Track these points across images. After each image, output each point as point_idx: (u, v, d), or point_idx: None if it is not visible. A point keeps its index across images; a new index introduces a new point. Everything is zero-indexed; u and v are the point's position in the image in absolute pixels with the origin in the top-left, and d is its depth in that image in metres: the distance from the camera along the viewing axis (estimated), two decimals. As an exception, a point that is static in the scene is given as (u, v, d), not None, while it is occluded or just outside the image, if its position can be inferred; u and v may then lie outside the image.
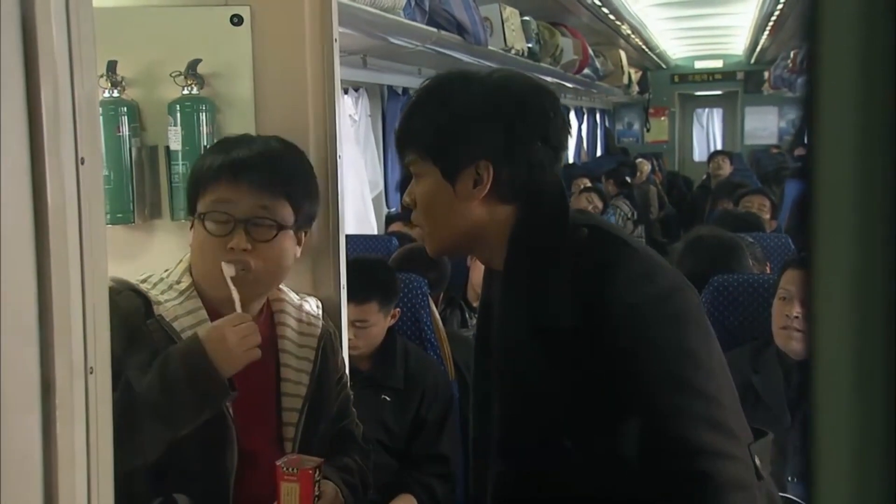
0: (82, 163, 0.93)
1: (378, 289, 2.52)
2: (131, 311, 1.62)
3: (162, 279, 1.71)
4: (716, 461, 1.34)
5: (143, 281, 1.70)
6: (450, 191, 1.47)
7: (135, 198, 1.98)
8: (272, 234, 1.66)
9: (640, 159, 10.03)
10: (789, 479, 2.39)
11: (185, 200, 1.97)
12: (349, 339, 2.47)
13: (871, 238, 0.41)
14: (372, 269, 2.57)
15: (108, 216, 1.92)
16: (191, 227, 1.73)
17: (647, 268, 1.43)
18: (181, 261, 1.75)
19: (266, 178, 1.67)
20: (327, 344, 1.83)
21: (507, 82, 1.50)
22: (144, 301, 1.65)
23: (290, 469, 1.61)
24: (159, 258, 1.91)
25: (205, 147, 1.95)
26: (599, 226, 1.50)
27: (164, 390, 1.51)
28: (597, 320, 1.37)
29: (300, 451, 1.73)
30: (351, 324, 2.47)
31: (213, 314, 1.67)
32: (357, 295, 2.34)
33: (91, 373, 0.95)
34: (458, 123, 1.47)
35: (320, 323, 1.83)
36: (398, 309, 2.67)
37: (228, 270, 1.62)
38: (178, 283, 1.70)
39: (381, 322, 2.57)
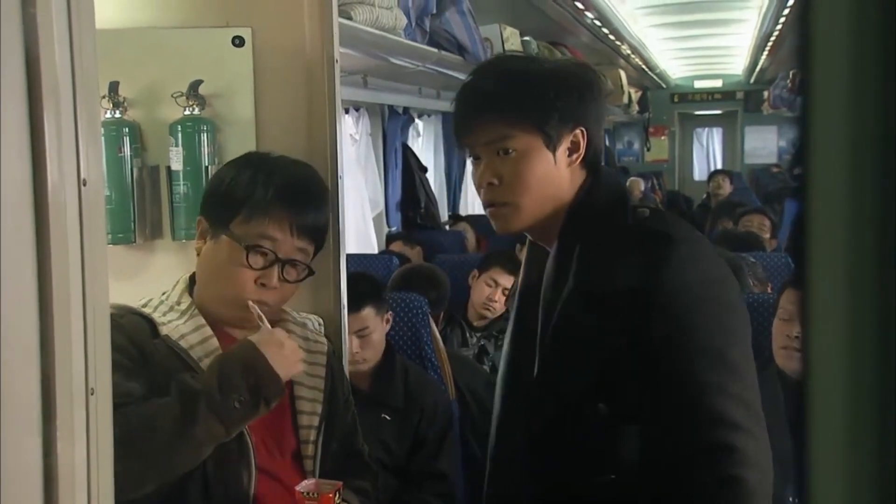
0: (84, 184, 0.94)
1: (368, 294, 2.55)
2: (137, 331, 1.62)
3: (162, 301, 1.71)
4: (741, 436, 1.40)
5: (144, 306, 1.70)
6: (550, 160, 1.52)
7: (136, 218, 1.99)
8: (303, 276, 1.70)
9: (632, 178, 9.99)
10: (791, 499, 2.38)
11: (185, 219, 1.98)
12: (356, 353, 2.49)
13: (865, 254, 0.41)
14: (355, 279, 2.60)
15: (110, 236, 1.93)
16: (206, 238, 1.71)
17: (703, 251, 1.52)
18: (178, 282, 1.75)
19: (311, 224, 1.69)
20: (334, 363, 1.84)
21: (571, 60, 1.61)
22: (149, 322, 1.65)
23: (311, 494, 1.61)
24: (160, 278, 1.92)
25: (206, 168, 1.96)
26: (660, 208, 1.58)
27: (220, 387, 1.51)
28: (649, 292, 1.43)
29: (319, 468, 1.74)
30: (354, 334, 2.48)
31: (217, 331, 1.68)
32: (352, 305, 2.37)
33: (92, 394, 0.95)
34: (561, 91, 1.53)
35: (325, 341, 1.84)
36: (391, 313, 2.69)
37: (254, 309, 1.63)
38: (179, 303, 1.70)
39: (379, 327, 2.60)
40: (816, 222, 0.43)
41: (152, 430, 1.48)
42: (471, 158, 1.60)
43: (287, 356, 1.59)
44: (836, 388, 0.42)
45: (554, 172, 1.53)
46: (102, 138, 1.80)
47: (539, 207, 1.54)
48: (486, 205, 1.58)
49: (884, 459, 0.40)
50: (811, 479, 0.42)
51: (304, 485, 1.63)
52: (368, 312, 2.55)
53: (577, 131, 1.53)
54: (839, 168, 0.42)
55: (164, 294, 1.74)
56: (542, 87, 1.53)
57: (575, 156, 1.54)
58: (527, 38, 6.20)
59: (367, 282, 2.65)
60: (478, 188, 1.58)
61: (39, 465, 0.88)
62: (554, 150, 1.52)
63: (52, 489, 0.89)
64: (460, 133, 1.58)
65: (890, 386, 0.41)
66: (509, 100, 1.53)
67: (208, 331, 1.67)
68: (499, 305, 3.79)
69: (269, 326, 1.63)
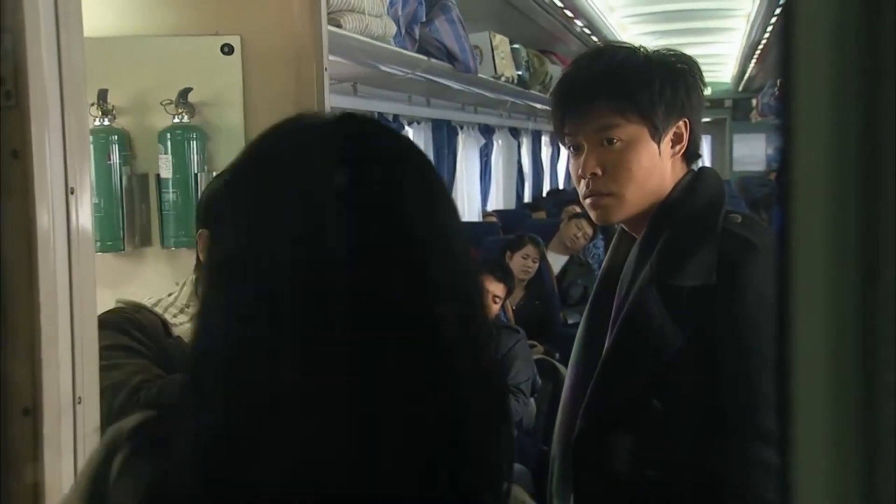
0: (72, 193, 0.94)
1: None
2: (154, 327, 1.62)
3: (171, 304, 1.70)
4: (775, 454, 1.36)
5: (154, 305, 1.70)
6: (654, 150, 1.51)
7: (125, 225, 1.99)
8: None
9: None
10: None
11: (174, 227, 1.97)
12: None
13: (847, 261, 0.41)
14: None
15: (99, 244, 1.92)
16: None
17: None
18: (185, 283, 1.74)
19: None
20: None
21: (672, 51, 1.58)
22: (161, 322, 1.65)
23: None
24: (150, 286, 1.91)
25: (195, 175, 1.96)
26: (753, 217, 1.59)
27: None
28: (723, 297, 1.41)
29: None
30: None
31: None
32: None
33: (79, 402, 0.95)
34: (668, 82, 1.52)
35: None
36: None
37: None
38: (188, 307, 1.69)
39: None
40: (798, 228, 0.43)
41: None
42: (570, 149, 1.58)
43: None
44: (818, 395, 0.43)
45: (658, 164, 1.51)
46: (91, 146, 1.80)
47: (640, 199, 1.53)
48: (585, 195, 1.54)
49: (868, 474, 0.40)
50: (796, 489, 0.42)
51: None
52: None
53: (681, 123, 1.52)
54: (821, 175, 0.42)
55: (171, 295, 1.73)
56: (651, 76, 1.51)
57: (678, 147, 1.52)
58: (516, 45, 6.22)
59: None
60: (577, 179, 1.55)
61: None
62: (659, 142, 1.51)
63: (39, 496, 0.89)
64: (565, 120, 1.55)
65: (875, 392, 0.41)
66: (618, 87, 1.51)
67: None
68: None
69: None
